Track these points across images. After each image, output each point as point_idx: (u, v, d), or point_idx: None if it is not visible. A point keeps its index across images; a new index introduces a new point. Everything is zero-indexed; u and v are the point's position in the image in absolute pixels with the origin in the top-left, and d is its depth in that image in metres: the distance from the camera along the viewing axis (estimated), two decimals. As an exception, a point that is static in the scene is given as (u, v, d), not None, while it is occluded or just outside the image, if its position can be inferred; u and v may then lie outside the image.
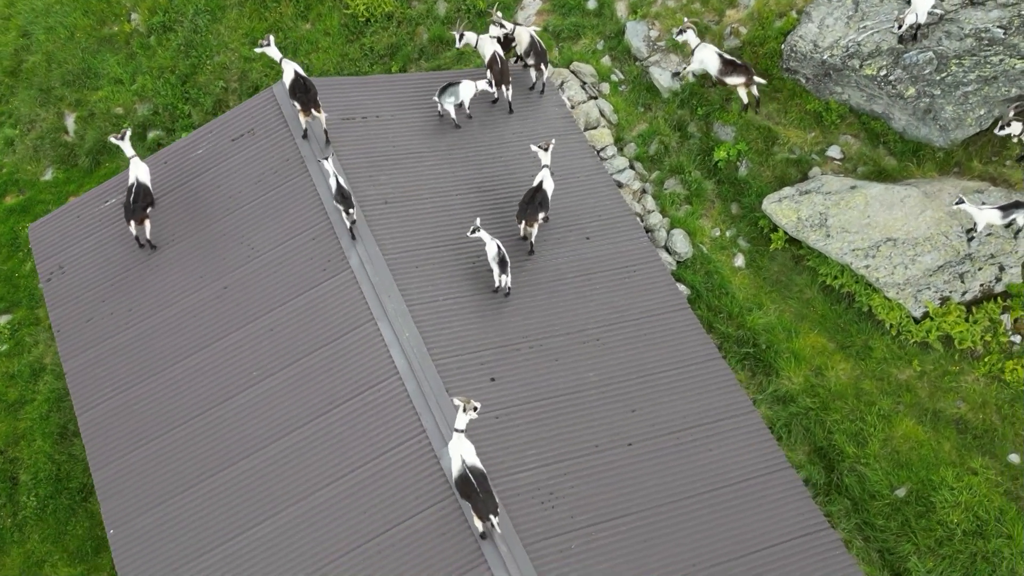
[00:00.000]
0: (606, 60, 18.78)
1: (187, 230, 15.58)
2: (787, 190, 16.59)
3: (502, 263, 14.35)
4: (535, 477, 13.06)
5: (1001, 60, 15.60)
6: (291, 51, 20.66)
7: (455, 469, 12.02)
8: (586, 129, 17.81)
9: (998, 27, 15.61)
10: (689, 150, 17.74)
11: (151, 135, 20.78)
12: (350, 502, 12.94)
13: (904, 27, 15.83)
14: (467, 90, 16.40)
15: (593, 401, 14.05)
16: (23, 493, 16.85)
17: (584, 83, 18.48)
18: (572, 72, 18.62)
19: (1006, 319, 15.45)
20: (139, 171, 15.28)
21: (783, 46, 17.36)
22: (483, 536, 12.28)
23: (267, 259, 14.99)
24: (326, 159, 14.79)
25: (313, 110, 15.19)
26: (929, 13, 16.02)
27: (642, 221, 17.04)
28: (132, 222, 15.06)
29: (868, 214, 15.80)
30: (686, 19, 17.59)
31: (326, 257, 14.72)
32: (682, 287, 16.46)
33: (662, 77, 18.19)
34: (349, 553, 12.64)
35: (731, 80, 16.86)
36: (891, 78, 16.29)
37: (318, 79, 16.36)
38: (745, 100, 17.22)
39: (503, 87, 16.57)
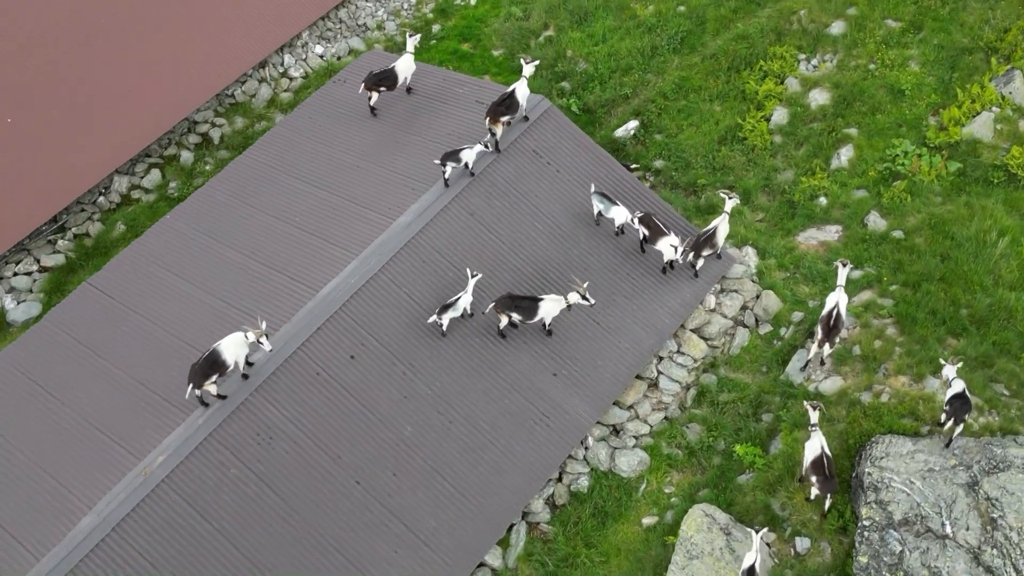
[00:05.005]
0: (797, 316, 18.36)
1: (391, 122, 19.61)
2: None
3: (443, 308, 16.42)
4: (282, 423, 15.65)
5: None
6: (711, 100, 22.59)
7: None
8: (693, 330, 18.11)
9: None
10: (732, 424, 17.32)
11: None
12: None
13: None
14: (620, 214, 17.80)
15: (375, 436, 15.98)
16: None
17: (747, 308, 18.45)
18: (759, 294, 18.58)
19: None
20: (403, 64, 19.40)
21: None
22: (202, 402, 15.54)
23: (383, 173, 18.58)
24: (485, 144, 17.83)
25: (491, 120, 17.89)
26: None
27: (632, 416, 17.45)
28: (363, 86, 19.39)
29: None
30: (816, 403, 15.72)
31: (399, 204, 17.86)
32: (584, 481, 16.93)
33: (794, 366, 17.60)
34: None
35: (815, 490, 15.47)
36: None
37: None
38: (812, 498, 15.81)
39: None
